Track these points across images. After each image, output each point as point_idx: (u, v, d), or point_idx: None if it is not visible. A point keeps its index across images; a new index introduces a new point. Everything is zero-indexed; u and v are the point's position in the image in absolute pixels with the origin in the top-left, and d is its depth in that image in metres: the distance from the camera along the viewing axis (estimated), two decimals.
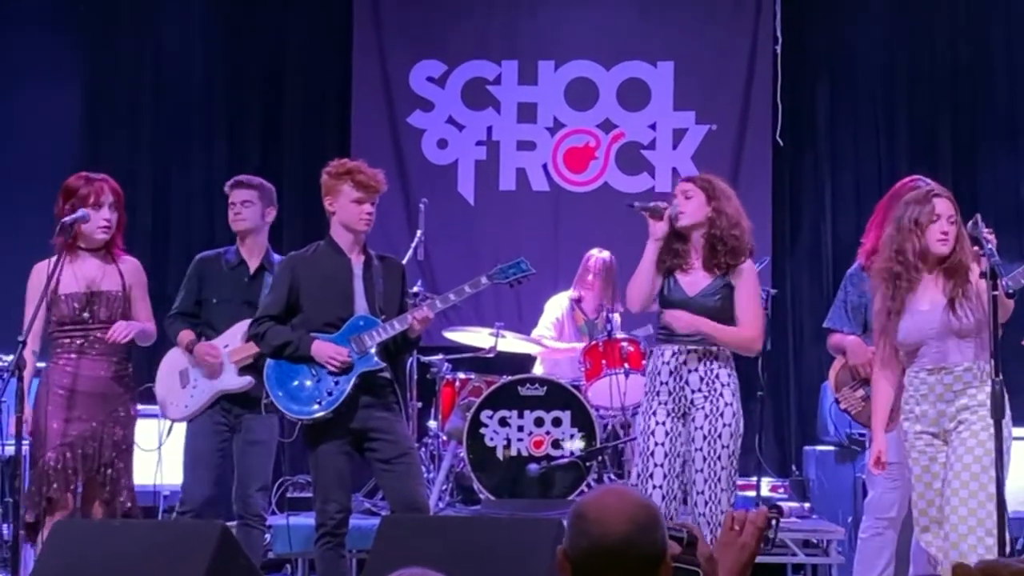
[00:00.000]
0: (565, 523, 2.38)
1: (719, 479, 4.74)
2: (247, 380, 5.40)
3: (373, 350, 4.94)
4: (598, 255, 7.24)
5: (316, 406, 4.92)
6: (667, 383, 4.80)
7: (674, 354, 4.79)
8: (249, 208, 5.56)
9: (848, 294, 5.25)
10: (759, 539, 2.53)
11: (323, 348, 4.92)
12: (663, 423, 4.79)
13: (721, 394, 4.77)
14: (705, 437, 4.74)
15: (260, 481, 5.52)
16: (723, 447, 4.75)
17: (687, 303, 4.79)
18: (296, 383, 4.97)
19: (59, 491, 4.74)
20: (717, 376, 4.79)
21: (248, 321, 5.36)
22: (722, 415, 4.76)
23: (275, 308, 5.01)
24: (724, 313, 4.80)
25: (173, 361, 5.42)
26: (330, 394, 4.92)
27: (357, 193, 4.97)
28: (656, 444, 4.77)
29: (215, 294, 5.45)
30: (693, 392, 4.77)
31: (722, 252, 4.80)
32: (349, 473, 5.03)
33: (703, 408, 4.76)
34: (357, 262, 5.05)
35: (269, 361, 5.02)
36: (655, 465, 4.76)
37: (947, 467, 4.37)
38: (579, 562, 2.30)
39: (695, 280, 4.82)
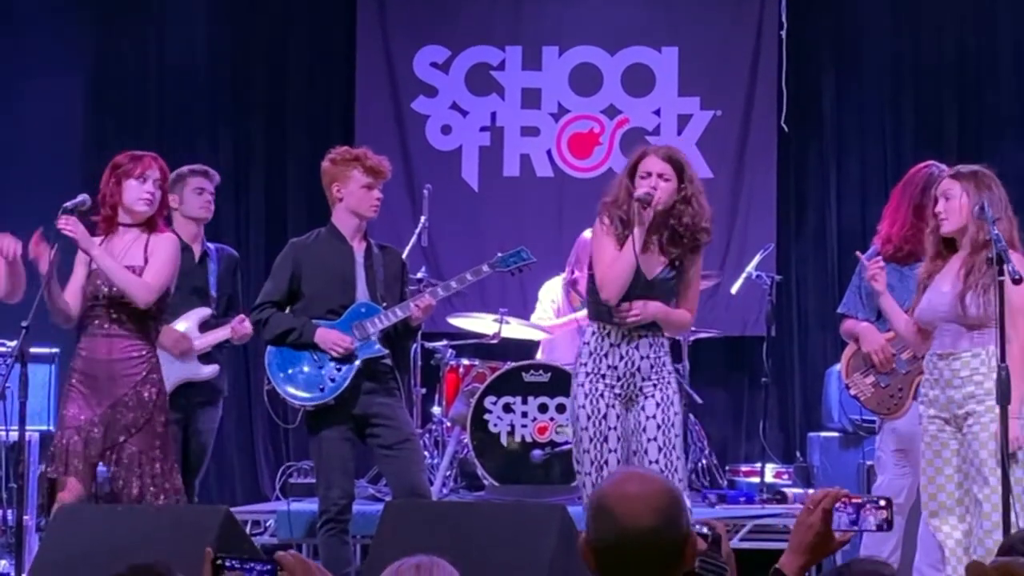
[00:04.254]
0: (586, 511, 2.35)
1: (676, 469, 4.57)
2: (213, 368, 5.47)
3: (375, 337, 4.95)
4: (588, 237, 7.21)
5: (319, 392, 4.95)
6: (616, 367, 4.58)
7: (624, 337, 4.59)
8: (213, 199, 5.63)
9: (863, 280, 5.22)
10: (825, 520, 2.53)
11: (327, 335, 4.94)
12: (613, 406, 4.57)
13: (669, 382, 4.61)
14: (659, 426, 4.56)
15: (201, 469, 5.58)
16: (676, 436, 4.59)
17: (647, 286, 4.58)
18: (298, 369, 4.99)
19: (59, 472, 4.72)
20: (664, 364, 4.63)
21: (202, 309, 5.45)
22: (672, 403, 4.60)
23: (276, 294, 5.03)
24: (675, 294, 4.67)
25: None
26: (332, 381, 4.94)
27: (367, 179, 5.00)
28: (609, 428, 4.56)
29: None
30: (643, 380, 4.59)
31: (687, 244, 4.62)
32: (352, 459, 5.06)
33: (653, 396, 4.58)
34: (359, 249, 5.07)
35: (270, 348, 5.04)
36: (609, 451, 4.55)
37: (967, 462, 4.37)
38: (604, 552, 2.29)
39: (651, 261, 4.59)
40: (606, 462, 4.54)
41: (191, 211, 5.55)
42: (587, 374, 4.62)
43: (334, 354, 4.92)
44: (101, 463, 4.78)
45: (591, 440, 4.57)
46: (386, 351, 5.01)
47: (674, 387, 4.65)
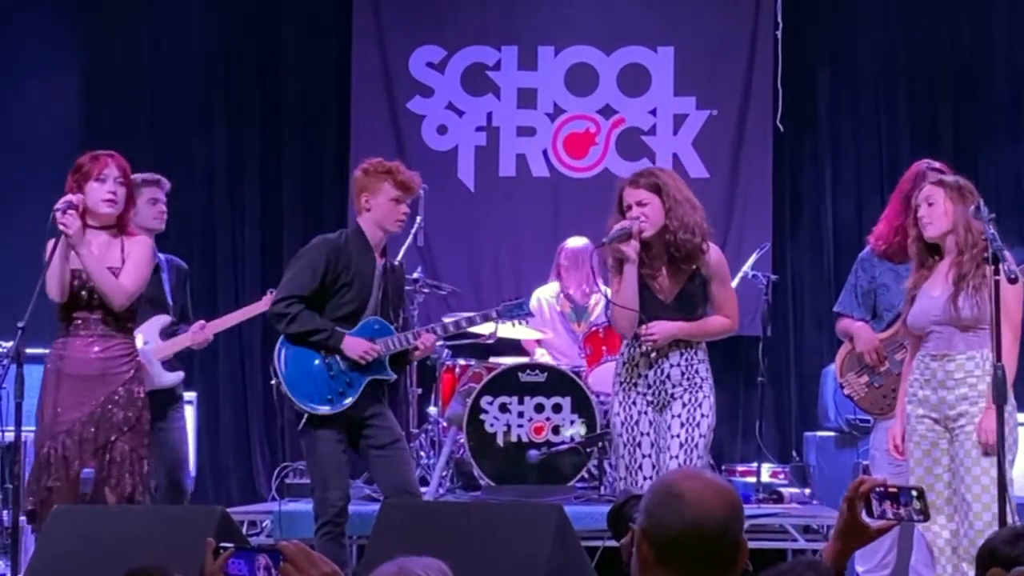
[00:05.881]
0: (644, 501, 2.33)
1: (695, 468, 4.63)
2: (179, 375, 5.50)
3: (386, 358, 5.02)
4: (568, 245, 7.24)
5: (327, 405, 4.96)
6: (646, 376, 4.70)
7: (655, 349, 4.69)
8: (165, 208, 5.58)
9: (859, 279, 5.24)
10: (852, 509, 2.58)
11: (356, 345, 4.95)
12: (646, 412, 4.70)
13: (700, 387, 4.72)
14: (683, 424, 4.66)
15: (187, 465, 5.64)
16: (700, 436, 4.67)
17: (667, 308, 4.70)
18: (309, 374, 4.98)
19: (59, 480, 4.71)
20: (696, 371, 4.73)
21: (161, 316, 5.45)
22: (700, 405, 4.69)
23: (306, 290, 4.96)
24: (701, 309, 4.76)
25: None
26: (342, 394, 4.98)
27: (396, 192, 5.02)
28: (642, 434, 4.69)
29: None
30: (673, 387, 4.70)
31: (680, 259, 4.70)
32: (347, 461, 5.08)
33: (681, 398, 4.69)
34: (379, 262, 5.09)
35: (285, 345, 5.01)
36: (643, 456, 4.68)
37: (957, 461, 4.39)
38: (667, 543, 2.27)
39: (665, 284, 4.73)
40: (640, 467, 4.68)
41: (145, 222, 5.43)
42: (621, 383, 4.77)
43: (362, 363, 4.94)
44: (89, 466, 4.76)
45: (625, 446, 4.72)
46: (395, 376, 5.11)
47: (705, 392, 4.73)
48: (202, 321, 5.58)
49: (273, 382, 5.02)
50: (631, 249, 4.64)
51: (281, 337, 5.02)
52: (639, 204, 4.67)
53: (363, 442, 5.03)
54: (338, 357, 4.96)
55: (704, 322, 4.76)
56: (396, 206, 5.02)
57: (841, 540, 2.59)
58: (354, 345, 4.94)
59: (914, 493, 2.59)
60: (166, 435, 5.45)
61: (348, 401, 4.96)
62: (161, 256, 5.60)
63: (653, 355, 4.69)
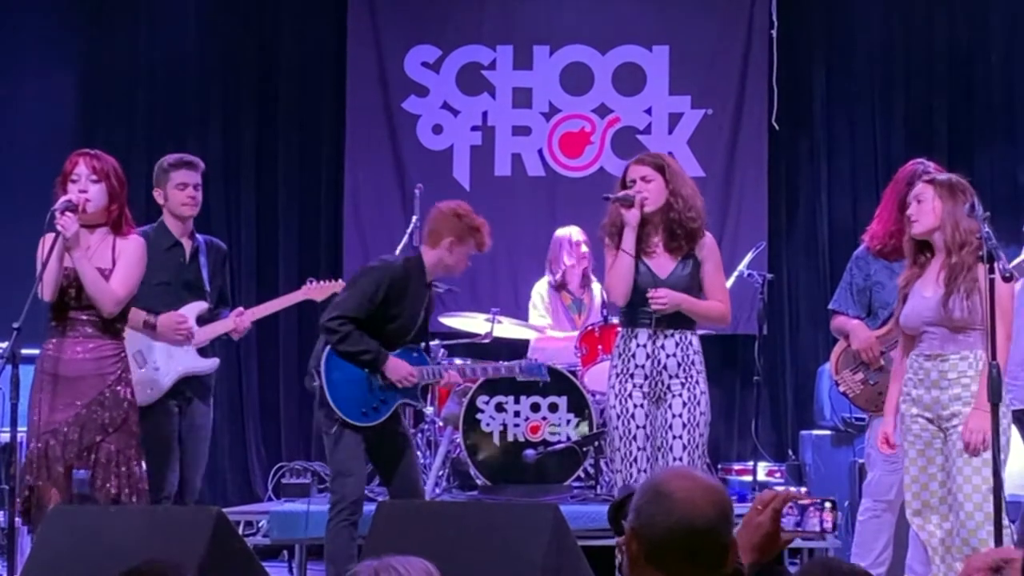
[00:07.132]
0: (635, 500, 2.34)
1: (696, 468, 4.68)
2: (214, 361, 5.50)
3: (419, 387, 5.29)
4: (562, 234, 7.27)
5: (361, 417, 5.16)
6: (643, 366, 4.76)
7: (650, 337, 4.75)
8: (199, 192, 5.52)
9: (854, 276, 5.25)
10: (775, 520, 2.54)
11: (399, 368, 5.17)
12: (641, 405, 4.76)
13: (697, 382, 4.78)
14: (685, 425, 4.74)
15: (203, 466, 5.60)
16: (700, 435, 4.77)
17: (661, 286, 4.78)
18: (349, 383, 5.16)
19: (40, 480, 4.70)
20: (693, 363, 4.79)
21: (198, 303, 5.46)
22: (699, 403, 4.77)
23: (361, 313, 5.15)
24: (695, 291, 4.84)
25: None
26: (376, 410, 5.19)
27: (475, 250, 5.32)
28: (637, 427, 4.76)
29: (152, 276, 5.15)
30: (671, 378, 4.76)
31: (681, 236, 4.81)
32: (367, 461, 5.27)
33: (681, 395, 4.75)
34: (427, 293, 5.35)
35: (332, 352, 5.17)
36: (638, 449, 4.75)
37: (950, 460, 4.40)
38: (656, 542, 2.28)
39: (662, 263, 4.83)
40: (635, 459, 4.74)
41: (174, 208, 5.45)
42: (617, 375, 4.82)
43: (400, 386, 5.17)
44: (79, 467, 4.75)
45: (621, 439, 4.78)
46: (423, 404, 5.43)
47: (702, 387, 4.80)
48: (240, 308, 5.58)
49: (315, 383, 5.15)
50: (632, 216, 4.76)
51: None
52: (643, 180, 4.80)
53: (381, 450, 5.25)
54: (379, 375, 5.17)
55: (706, 302, 4.86)
56: (468, 259, 5.31)
57: (757, 551, 2.54)
58: (396, 368, 5.17)
59: (827, 505, 2.59)
60: (197, 431, 5.45)
61: (380, 418, 5.18)
62: (200, 237, 5.58)
63: (654, 337, 4.74)
